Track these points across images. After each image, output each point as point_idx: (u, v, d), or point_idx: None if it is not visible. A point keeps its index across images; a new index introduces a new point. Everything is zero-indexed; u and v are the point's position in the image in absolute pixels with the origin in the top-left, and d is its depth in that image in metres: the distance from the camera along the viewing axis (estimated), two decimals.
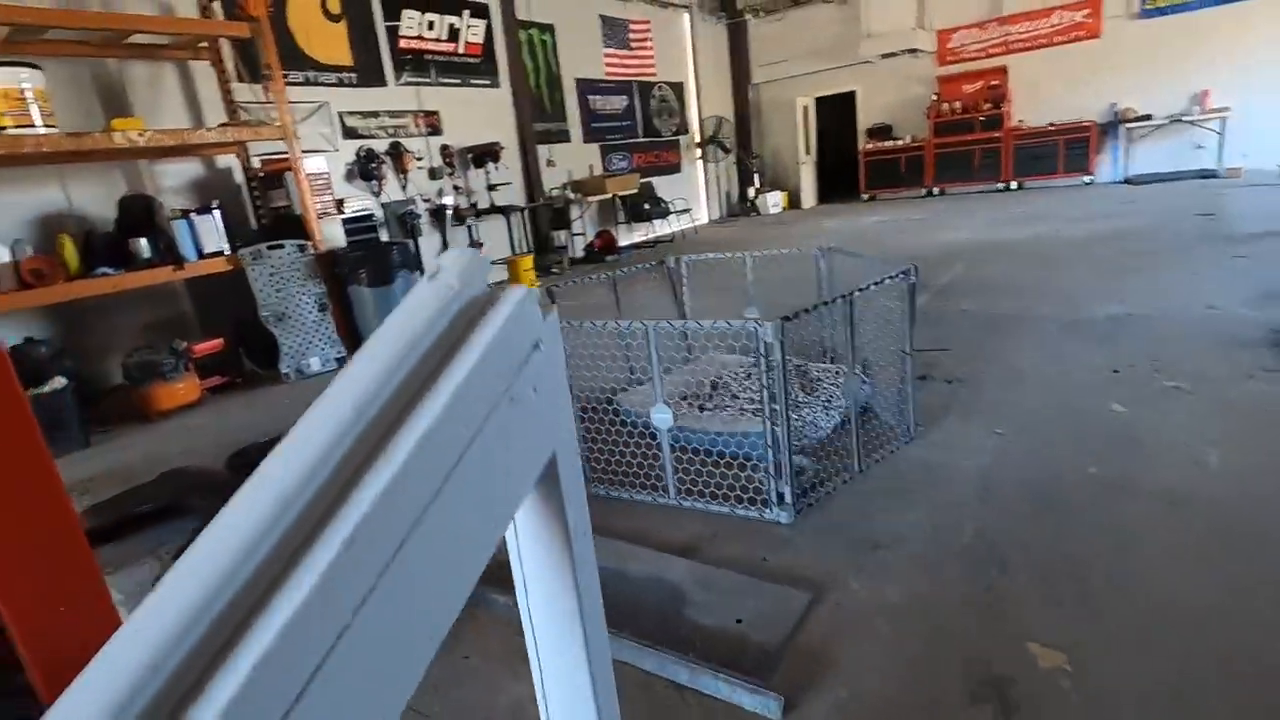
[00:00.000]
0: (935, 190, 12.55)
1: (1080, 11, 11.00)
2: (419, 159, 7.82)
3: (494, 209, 8.49)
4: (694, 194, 13.20)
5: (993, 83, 11.84)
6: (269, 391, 5.09)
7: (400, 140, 7.64)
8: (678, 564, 2.18)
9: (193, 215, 5.16)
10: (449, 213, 7.84)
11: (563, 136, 10.12)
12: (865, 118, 13.45)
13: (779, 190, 14.00)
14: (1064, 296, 4.86)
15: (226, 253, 5.24)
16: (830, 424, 2.85)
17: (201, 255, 5.15)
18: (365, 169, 7.19)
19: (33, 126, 4.24)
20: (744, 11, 13.71)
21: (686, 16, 12.74)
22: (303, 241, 5.47)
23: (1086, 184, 11.20)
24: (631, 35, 11.45)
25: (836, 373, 3.13)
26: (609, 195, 10.20)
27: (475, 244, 8.25)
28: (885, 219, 10.54)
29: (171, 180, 5.74)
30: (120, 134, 4.58)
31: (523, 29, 9.25)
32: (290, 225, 5.72)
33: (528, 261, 7.83)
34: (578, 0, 10.28)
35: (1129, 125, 10.85)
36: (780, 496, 2.38)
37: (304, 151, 5.84)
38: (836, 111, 13.88)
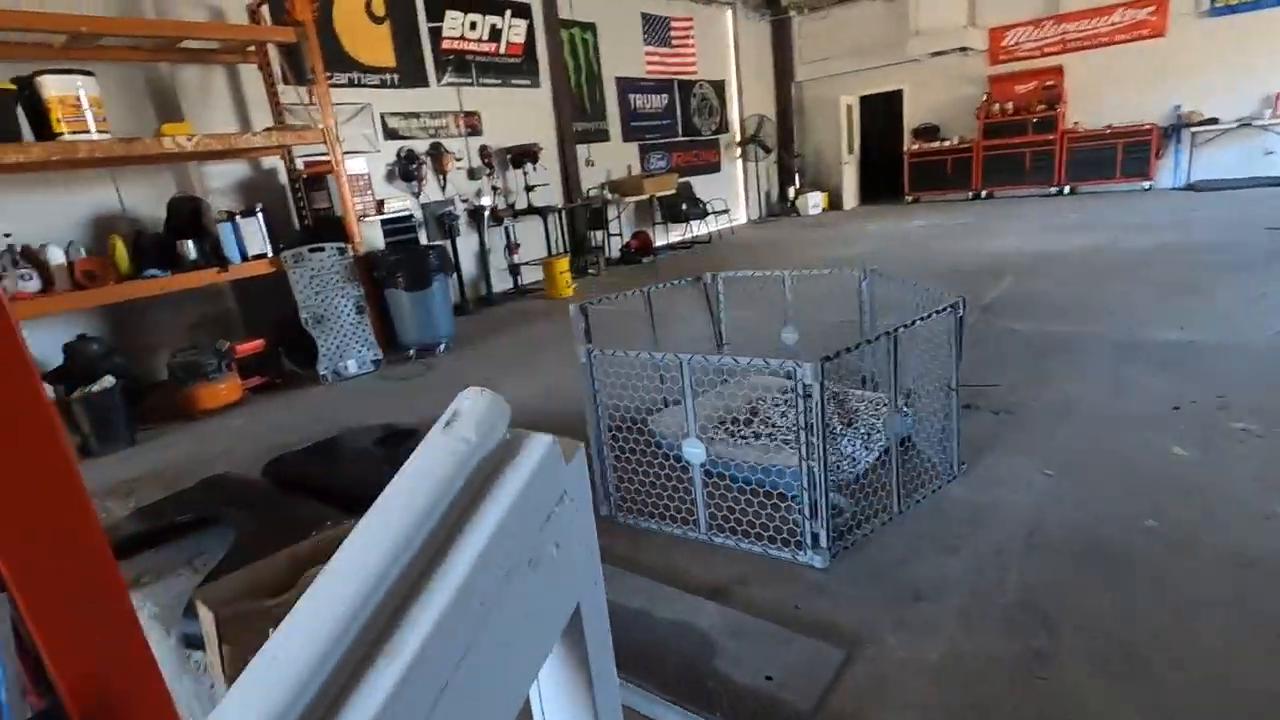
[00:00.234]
0: (983, 193, 12.17)
1: (1145, 9, 10.49)
2: (458, 160, 7.85)
3: (531, 209, 8.49)
4: (733, 194, 13.03)
5: (1048, 83, 11.40)
6: (307, 393, 5.16)
7: (440, 141, 7.69)
8: (707, 608, 2.12)
9: (237, 218, 5.26)
10: (486, 213, 7.86)
11: (602, 136, 10.07)
12: (911, 117, 13.10)
13: (820, 190, 13.74)
14: (1120, 316, 4.63)
15: (269, 255, 5.34)
16: (869, 458, 2.75)
17: (245, 257, 5.25)
18: (405, 170, 7.25)
19: (87, 132, 4.36)
20: (788, 8, 13.43)
21: (729, 13, 12.54)
22: (342, 244, 5.54)
23: (1145, 190, 10.73)
24: (673, 33, 11.32)
25: (876, 404, 3.01)
26: (646, 196, 10.12)
27: (512, 245, 8.27)
28: (930, 223, 10.24)
29: (218, 181, 5.86)
30: (169, 139, 4.68)
31: (564, 28, 9.21)
32: (331, 227, 5.80)
33: (564, 263, 7.81)
34: None
35: (1193, 129, 10.34)
36: (815, 538, 2.30)
37: (346, 153, 5.91)
38: (881, 110, 13.55)
